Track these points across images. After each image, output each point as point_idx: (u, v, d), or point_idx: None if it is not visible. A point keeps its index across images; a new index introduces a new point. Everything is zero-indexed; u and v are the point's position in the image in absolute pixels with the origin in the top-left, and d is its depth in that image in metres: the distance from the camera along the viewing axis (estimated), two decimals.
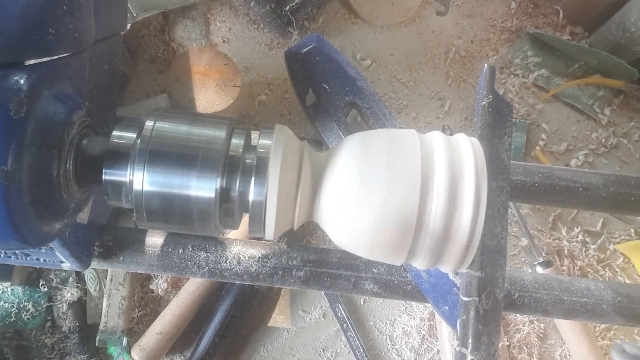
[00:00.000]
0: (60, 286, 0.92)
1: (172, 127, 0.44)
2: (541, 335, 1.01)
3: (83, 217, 0.57)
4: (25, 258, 0.59)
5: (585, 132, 1.14)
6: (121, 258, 0.64)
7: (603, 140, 1.13)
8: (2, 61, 0.37)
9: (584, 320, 0.68)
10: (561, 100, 1.13)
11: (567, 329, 0.98)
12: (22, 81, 0.37)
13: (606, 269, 1.06)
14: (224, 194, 0.43)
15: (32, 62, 0.39)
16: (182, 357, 0.97)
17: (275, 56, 1.12)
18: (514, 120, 1.11)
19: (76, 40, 0.46)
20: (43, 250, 0.57)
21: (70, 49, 0.45)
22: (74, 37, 0.45)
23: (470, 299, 0.52)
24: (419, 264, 0.45)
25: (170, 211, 0.43)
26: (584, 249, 1.06)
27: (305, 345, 1.01)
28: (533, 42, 1.15)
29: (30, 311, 0.89)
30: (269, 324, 0.99)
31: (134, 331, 0.95)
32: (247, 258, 0.65)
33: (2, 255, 0.58)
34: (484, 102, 0.57)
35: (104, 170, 0.44)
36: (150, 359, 0.89)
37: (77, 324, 0.93)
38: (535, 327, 1.01)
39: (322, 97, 0.69)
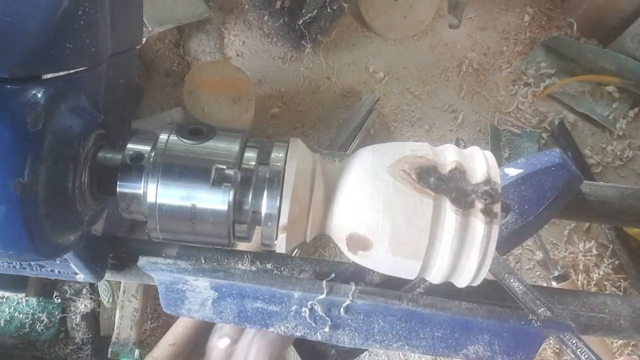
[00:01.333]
0: (74, 298, 0.93)
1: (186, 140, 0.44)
2: (557, 351, 1.00)
3: (97, 229, 0.57)
4: (40, 269, 0.59)
5: (600, 145, 1.13)
6: (134, 270, 0.64)
7: (618, 153, 1.11)
8: (20, 75, 0.37)
9: (601, 335, 0.67)
10: (576, 111, 1.12)
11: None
12: (39, 95, 0.37)
13: (621, 280, 1.04)
14: (236, 207, 0.43)
15: (49, 76, 0.40)
16: None
17: (289, 69, 1.12)
18: (525, 130, 1.11)
19: (93, 55, 0.47)
20: (57, 262, 0.57)
21: (87, 63, 0.46)
22: (90, 51, 0.46)
23: None
24: (433, 277, 0.44)
25: (183, 223, 0.44)
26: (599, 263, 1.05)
27: None
28: (547, 53, 1.14)
29: (44, 322, 0.90)
30: None
31: (146, 343, 0.95)
32: (258, 271, 0.65)
33: (17, 267, 0.58)
34: None
35: (118, 183, 0.44)
36: None
37: (90, 336, 0.93)
38: (551, 342, 1.00)
39: None
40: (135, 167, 0.44)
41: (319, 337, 0.51)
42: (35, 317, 0.90)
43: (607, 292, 1.04)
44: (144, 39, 1.00)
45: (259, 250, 0.82)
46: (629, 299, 0.67)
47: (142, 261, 0.55)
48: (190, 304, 0.53)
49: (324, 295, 0.51)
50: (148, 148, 0.45)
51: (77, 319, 0.92)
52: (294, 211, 0.42)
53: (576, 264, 1.05)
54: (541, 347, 0.96)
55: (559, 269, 0.99)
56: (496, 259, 0.52)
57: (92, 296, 0.93)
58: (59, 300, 0.92)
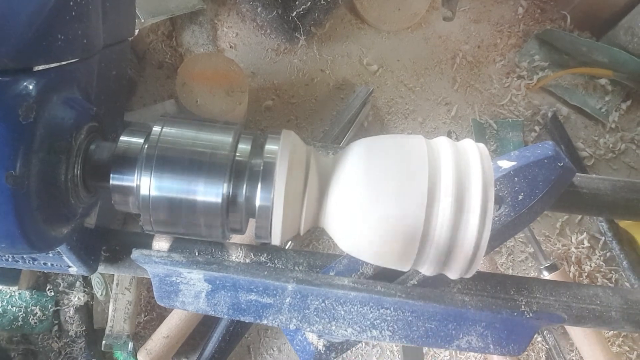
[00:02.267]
0: (67, 290, 0.92)
1: (179, 132, 0.44)
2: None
3: (90, 221, 0.57)
4: (33, 262, 0.59)
5: (593, 138, 1.13)
6: (128, 263, 0.64)
7: (611, 145, 1.12)
8: (12, 67, 0.37)
9: (593, 327, 0.68)
10: (569, 104, 1.13)
11: (580, 333, 0.97)
12: (31, 87, 0.37)
13: (612, 272, 1.05)
14: (230, 199, 0.43)
15: (41, 68, 0.40)
16: None
17: (282, 62, 1.12)
18: (507, 120, 1.11)
19: (85, 46, 0.46)
20: (50, 255, 0.57)
21: (79, 54, 0.45)
22: (82, 43, 0.46)
23: None
24: (425, 270, 0.45)
25: (177, 216, 0.43)
26: (591, 254, 1.06)
27: None
28: (540, 45, 1.14)
29: (37, 315, 0.89)
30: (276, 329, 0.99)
31: (140, 336, 0.95)
32: (252, 263, 0.65)
33: (10, 260, 0.58)
34: None
35: (111, 175, 0.44)
36: None
37: (83, 328, 0.93)
38: (544, 333, 1.01)
39: None
40: (128, 159, 0.44)
41: (313, 329, 0.52)
42: (29, 310, 0.89)
43: (598, 283, 1.04)
44: (137, 31, 1.00)
45: (252, 242, 0.82)
46: (620, 291, 0.68)
47: (136, 254, 0.55)
48: (184, 296, 0.53)
49: (317, 288, 0.51)
50: (141, 140, 0.45)
51: (71, 312, 0.92)
52: (287, 203, 0.42)
53: (568, 256, 1.05)
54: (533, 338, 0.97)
55: (550, 259, 0.99)
56: None
57: (86, 289, 0.93)
58: (52, 293, 0.91)
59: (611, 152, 1.12)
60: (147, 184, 0.42)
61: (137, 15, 0.95)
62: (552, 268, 0.98)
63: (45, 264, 0.59)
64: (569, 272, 1.04)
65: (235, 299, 0.52)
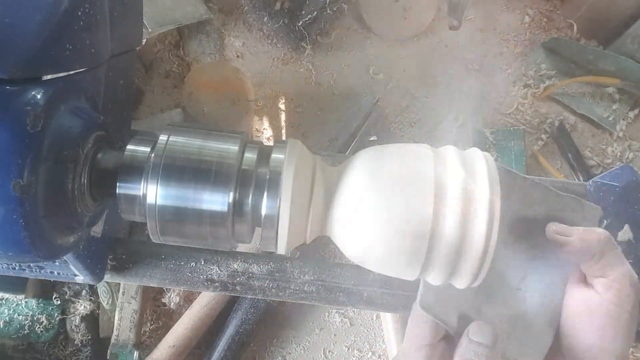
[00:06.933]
0: (73, 299, 0.92)
1: (186, 141, 0.44)
2: None
3: (97, 230, 0.57)
4: (40, 271, 0.59)
5: (601, 147, 1.12)
6: (134, 271, 0.64)
7: (619, 154, 1.11)
8: (20, 76, 0.37)
9: None
10: (576, 112, 1.12)
11: None
12: (39, 96, 0.37)
13: None
14: (236, 208, 0.43)
15: (49, 77, 0.40)
16: None
17: (289, 71, 1.12)
18: (509, 128, 1.11)
19: (92, 56, 0.47)
20: (57, 264, 0.57)
21: (87, 64, 0.46)
22: (90, 52, 0.46)
23: None
24: (432, 279, 0.44)
25: (183, 225, 0.43)
26: None
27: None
28: (547, 54, 1.14)
29: (43, 324, 0.90)
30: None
31: (145, 345, 0.95)
32: (258, 272, 0.65)
33: (16, 268, 0.58)
34: None
35: (117, 184, 0.44)
36: None
37: (89, 337, 0.93)
38: None
39: None
40: (135, 168, 0.44)
41: None
42: (35, 318, 0.89)
43: None
44: (144, 40, 1.00)
45: (259, 251, 0.82)
46: None
47: None
48: None
49: None
50: (148, 149, 0.45)
51: (77, 321, 0.92)
52: (293, 212, 0.42)
53: None
54: None
55: None
56: None
57: (92, 298, 0.93)
58: (59, 302, 0.92)
59: (619, 161, 1.11)
60: (154, 193, 0.42)
61: (145, 25, 0.96)
62: None
63: (51, 272, 0.59)
64: None
65: None
